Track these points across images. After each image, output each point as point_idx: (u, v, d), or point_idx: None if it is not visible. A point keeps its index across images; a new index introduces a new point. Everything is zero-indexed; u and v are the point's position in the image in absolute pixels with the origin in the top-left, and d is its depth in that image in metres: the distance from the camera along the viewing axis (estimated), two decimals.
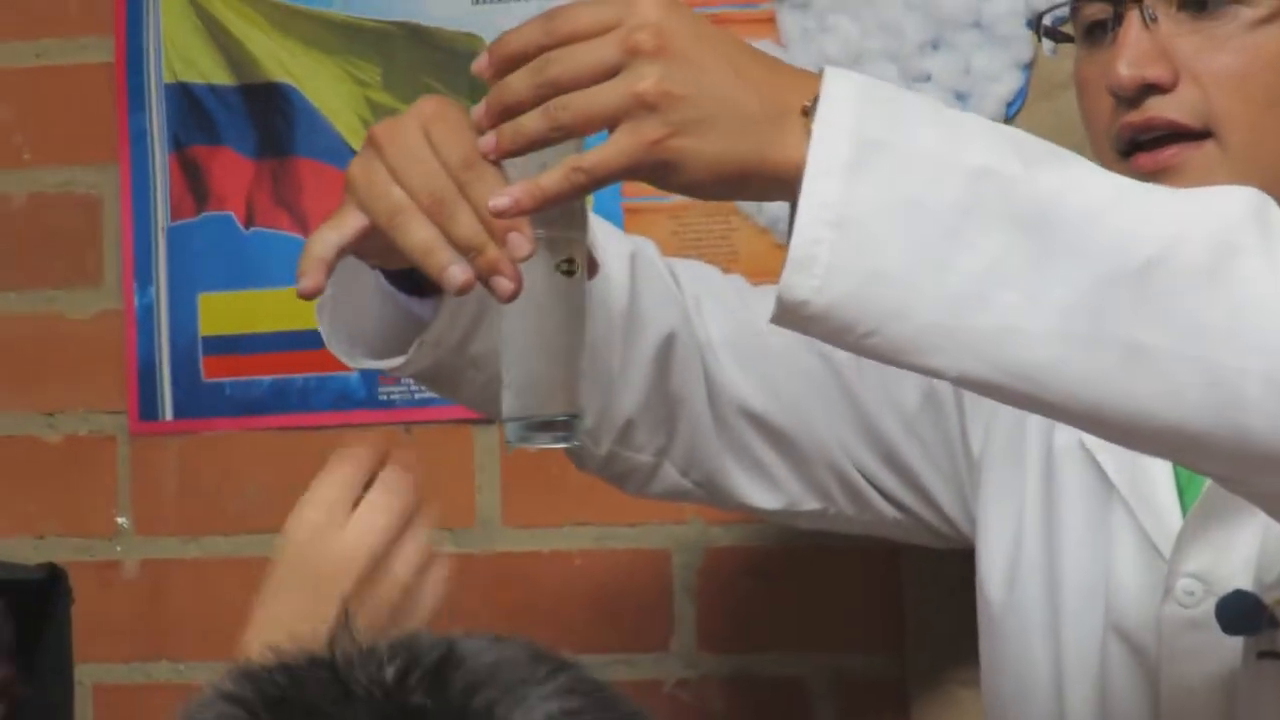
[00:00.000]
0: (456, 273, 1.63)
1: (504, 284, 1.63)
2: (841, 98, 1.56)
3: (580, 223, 1.71)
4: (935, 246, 1.56)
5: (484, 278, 1.64)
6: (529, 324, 1.69)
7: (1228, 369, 1.57)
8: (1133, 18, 1.85)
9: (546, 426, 1.70)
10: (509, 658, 1.12)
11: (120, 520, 2.53)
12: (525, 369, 1.71)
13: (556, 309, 1.69)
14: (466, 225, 1.64)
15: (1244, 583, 1.85)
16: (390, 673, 1.10)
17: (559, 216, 1.67)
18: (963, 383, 1.64)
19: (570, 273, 1.69)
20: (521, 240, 1.62)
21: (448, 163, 1.65)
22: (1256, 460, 1.59)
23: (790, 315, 1.56)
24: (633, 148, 1.58)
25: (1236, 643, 1.84)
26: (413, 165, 1.66)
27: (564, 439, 1.71)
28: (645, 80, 1.57)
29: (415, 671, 1.10)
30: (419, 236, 1.64)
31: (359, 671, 1.10)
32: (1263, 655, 1.85)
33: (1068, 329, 1.57)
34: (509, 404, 1.72)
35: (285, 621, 1.56)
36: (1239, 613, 1.84)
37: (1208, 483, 1.87)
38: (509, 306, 1.67)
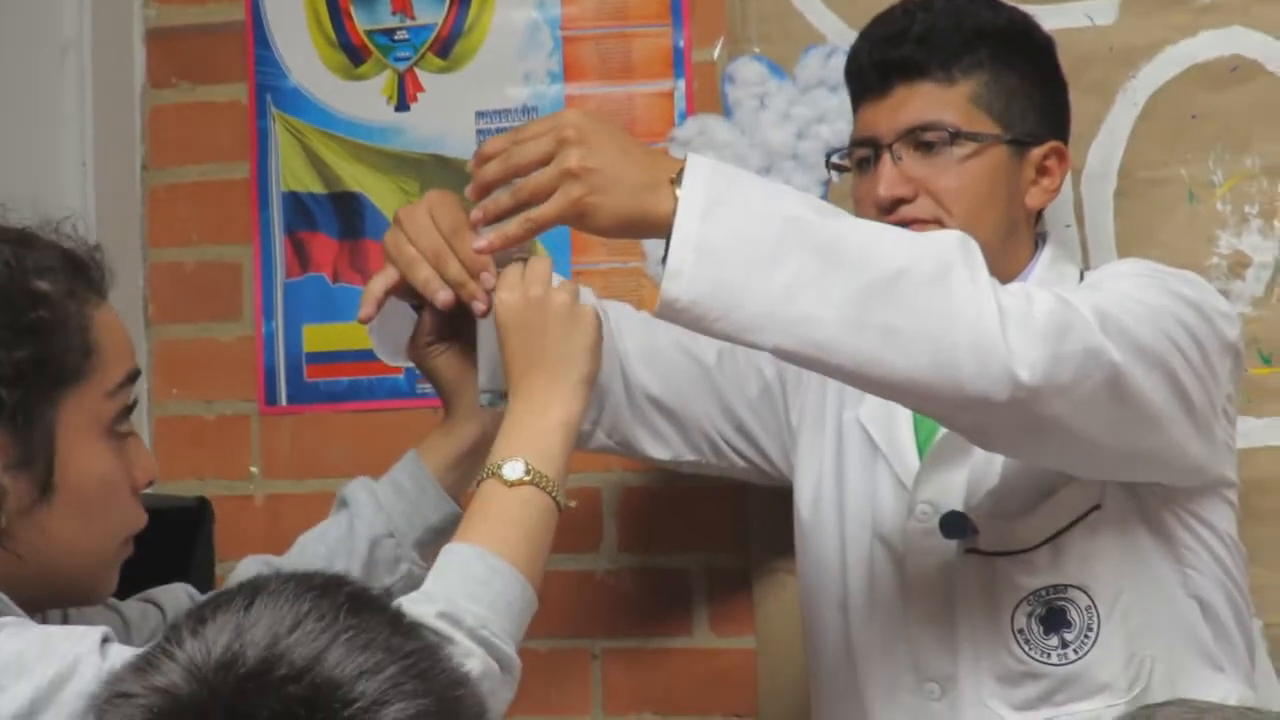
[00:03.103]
0: (444, 296, 1.72)
1: (478, 306, 1.72)
2: (697, 171, 1.65)
3: None
4: (759, 264, 1.62)
5: (466, 302, 1.73)
6: (494, 331, 1.73)
7: (945, 341, 1.62)
8: (886, 157, 1.94)
9: (503, 397, 1.73)
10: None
11: (253, 469, 2.59)
12: (491, 359, 1.76)
13: None
14: (454, 269, 1.72)
15: (957, 505, 1.92)
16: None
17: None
18: (778, 353, 1.68)
19: None
20: (490, 277, 1.71)
21: (441, 229, 1.73)
22: (965, 401, 1.65)
23: (667, 310, 1.65)
24: (563, 204, 1.66)
25: (952, 544, 1.92)
26: (420, 233, 1.74)
27: None
28: (570, 160, 1.65)
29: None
30: (423, 275, 1.73)
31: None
32: (969, 551, 1.92)
33: (844, 317, 1.62)
34: (482, 381, 1.79)
35: (523, 374, 1.66)
36: (953, 524, 1.91)
37: (932, 444, 1.95)
38: (482, 321, 1.75)
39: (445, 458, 1.86)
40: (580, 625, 2.49)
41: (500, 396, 1.74)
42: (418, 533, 1.84)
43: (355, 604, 1.04)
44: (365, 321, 1.80)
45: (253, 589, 1.04)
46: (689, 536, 2.46)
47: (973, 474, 1.92)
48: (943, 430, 1.93)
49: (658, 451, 2.10)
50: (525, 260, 1.75)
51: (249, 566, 1.84)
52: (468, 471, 1.85)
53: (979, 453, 1.90)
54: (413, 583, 1.74)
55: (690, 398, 2.09)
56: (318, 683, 0.97)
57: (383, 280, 1.78)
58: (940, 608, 1.94)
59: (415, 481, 1.84)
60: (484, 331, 1.76)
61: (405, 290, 1.78)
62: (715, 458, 2.14)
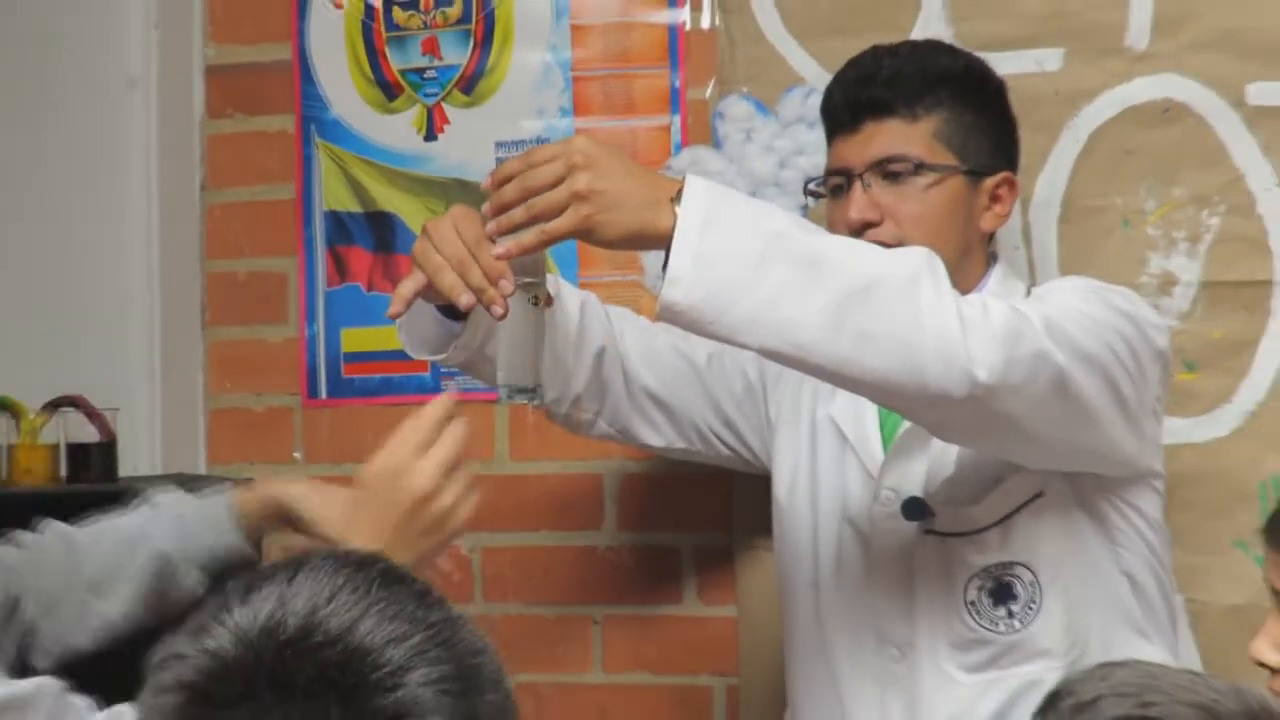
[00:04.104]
0: (466, 299, 1.70)
1: (497, 310, 1.70)
2: (695, 190, 1.64)
3: (541, 275, 1.76)
4: (748, 274, 1.61)
5: (485, 306, 1.71)
6: (511, 332, 1.74)
7: (913, 345, 1.62)
8: (857, 185, 1.94)
9: (519, 391, 1.74)
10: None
11: (296, 454, 2.61)
12: (508, 357, 1.75)
13: (526, 324, 1.75)
14: (476, 276, 1.70)
15: (917, 491, 1.92)
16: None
17: (530, 270, 1.74)
18: (764, 353, 1.67)
19: (535, 303, 1.75)
20: (507, 284, 1.70)
21: (465, 241, 1.71)
22: (928, 398, 1.64)
23: (667, 313, 1.64)
24: (574, 220, 1.64)
25: (912, 526, 1.93)
26: (446, 243, 1.72)
27: (528, 399, 1.77)
28: (580, 183, 1.63)
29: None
30: (448, 281, 1.71)
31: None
32: (927, 532, 1.93)
33: (823, 322, 1.61)
34: (500, 377, 1.76)
35: (364, 534, 1.52)
36: (913, 508, 1.92)
37: (895, 438, 1.95)
38: (500, 323, 1.74)
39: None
40: (583, 595, 2.51)
41: (516, 392, 1.75)
42: (204, 554, 1.73)
43: (386, 579, 1.03)
44: (394, 318, 1.81)
45: (296, 564, 1.03)
46: (680, 518, 2.48)
47: (931, 464, 1.93)
48: (905, 425, 1.94)
49: (652, 439, 2.12)
50: (536, 285, 1.75)
51: (50, 530, 1.75)
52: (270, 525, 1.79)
53: (937, 445, 1.91)
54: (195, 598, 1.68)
55: (683, 393, 2.10)
56: (350, 649, 0.97)
57: (411, 283, 1.77)
58: (900, 582, 1.95)
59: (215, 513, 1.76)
60: (502, 332, 1.76)
61: (431, 293, 1.78)
62: (703, 446, 2.15)
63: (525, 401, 1.77)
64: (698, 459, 2.19)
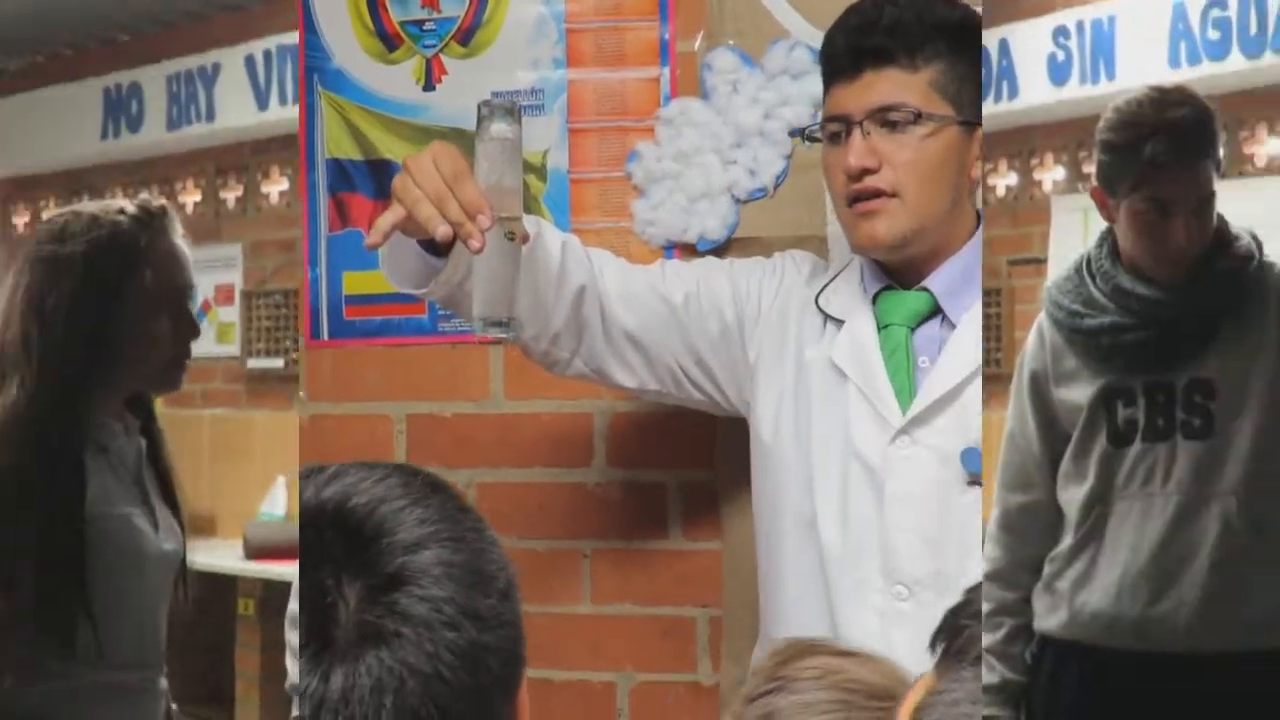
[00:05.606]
0: (443, 230, 1.68)
1: (473, 243, 1.69)
2: None
3: (519, 211, 1.74)
4: None
5: (463, 239, 1.69)
6: (488, 265, 1.73)
7: None
8: (856, 131, 1.92)
9: (494, 324, 1.73)
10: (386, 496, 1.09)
11: (300, 393, 2.61)
12: (485, 290, 1.73)
13: (503, 258, 1.73)
14: (454, 209, 1.69)
15: (960, 443, 1.87)
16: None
17: (507, 206, 1.71)
18: None
19: (511, 238, 1.73)
20: (485, 218, 1.68)
21: (444, 175, 1.70)
22: None
23: None
24: None
25: (935, 462, 1.88)
26: (425, 177, 1.70)
27: (503, 332, 1.75)
28: None
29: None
30: (425, 213, 1.69)
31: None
32: (974, 484, 1.89)
33: None
34: (476, 310, 1.74)
35: None
36: (974, 460, 1.88)
37: (920, 387, 1.91)
38: (478, 256, 1.72)
39: None
40: (574, 529, 2.52)
41: (491, 324, 1.73)
42: None
43: (433, 484, 1.11)
44: (372, 249, 1.79)
45: (360, 466, 1.12)
46: (667, 455, 2.48)
47: (965, 420, 1.90)
48: (928, 374, 1.92)
49: (626, 380, 2.09)
50: (513, 221, 1.72)
51: None
52: None
53: (969, 400, 1.90)
54: None
55: (659, 334, 2.08)
56: (379, 514, 1.06)
57: (391, 216, 1.75)
58: (924, 522, 1.91)
59: None
60: (479, 266, 1.75)
61: (410, 226, 1.76)
62: (675, 388, 2.12)
63: (500, 334, 1.76)
64: (669, 401, 2.18)
